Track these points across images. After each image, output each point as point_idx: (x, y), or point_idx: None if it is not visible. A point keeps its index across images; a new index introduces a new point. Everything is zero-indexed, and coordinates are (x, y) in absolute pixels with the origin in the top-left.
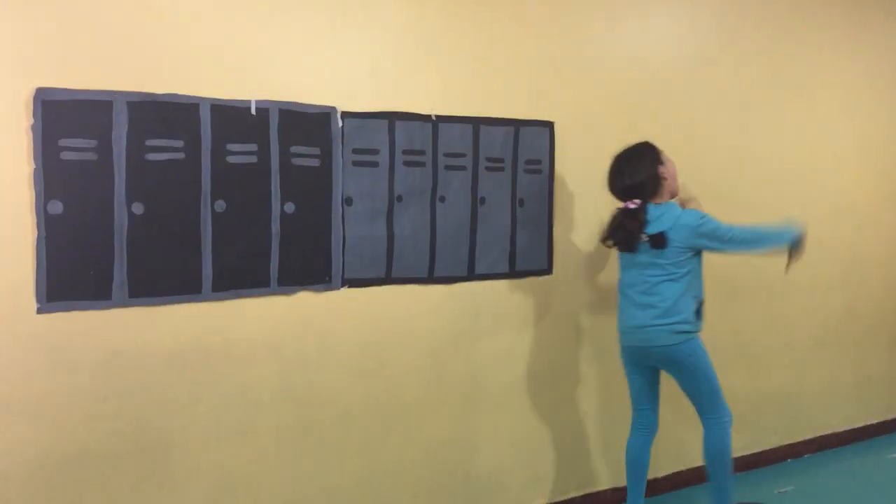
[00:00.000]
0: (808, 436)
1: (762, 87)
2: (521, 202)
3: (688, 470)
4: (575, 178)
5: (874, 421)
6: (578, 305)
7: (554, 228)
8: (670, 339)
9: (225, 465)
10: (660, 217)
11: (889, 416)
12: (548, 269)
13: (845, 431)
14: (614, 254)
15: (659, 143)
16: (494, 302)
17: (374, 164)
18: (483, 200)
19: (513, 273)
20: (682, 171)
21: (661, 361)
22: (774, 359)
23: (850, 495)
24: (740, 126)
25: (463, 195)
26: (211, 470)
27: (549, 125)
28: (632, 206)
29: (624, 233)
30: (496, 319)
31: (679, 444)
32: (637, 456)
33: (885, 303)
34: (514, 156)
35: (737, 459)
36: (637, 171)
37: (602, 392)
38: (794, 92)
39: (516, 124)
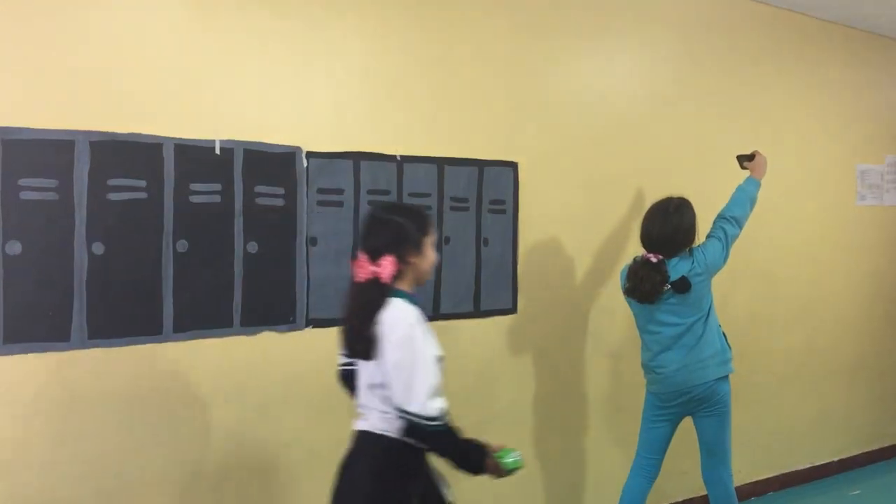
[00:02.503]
0: (771, 474)
1: (719, 128)
2: (486, 242)
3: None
4: (539, 217)
5: (835, 458)
6: (544, 344)
7: (518, 267)
8: (716, 373)
9: None
10: (676, 265)
11: (848, 454)
12: (512, 309)
13: (807, 469)
14: (579, 293)
15: (620, 181)
16: (460, 341)
17: (339, 204)
18: (448, 240)
19: (478, 312)
20: (641, 209)
21: (700, 403)
22: (736, 397)
23: None
24: (699, 165)
25: None
26: None
27: (512, 165)
28: (654, 259)
29: (649, 285)
30: (462, 358)
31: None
32: (633, 498)
33: (842, 341)
34: (478, 196)
35: (701, 498)
36: (687, 228)
37: (571, 433)
38: (750, 133)
39: (480, 164)
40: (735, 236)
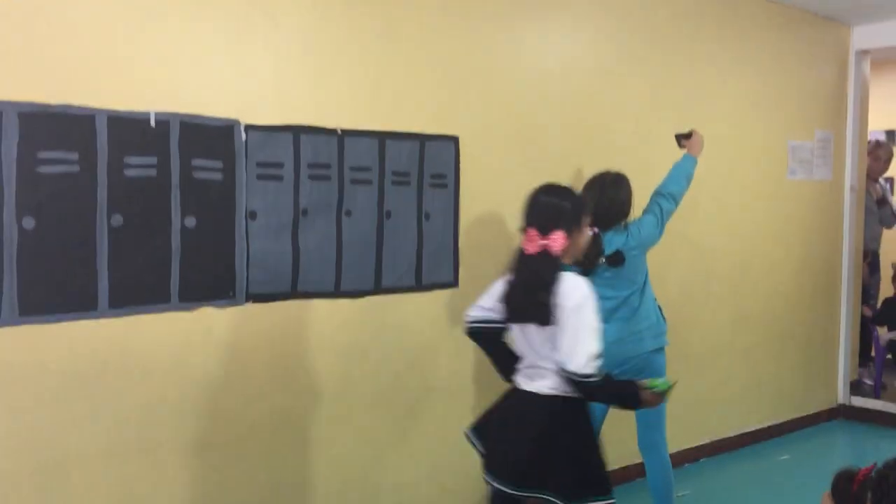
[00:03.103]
0: (704, 441)
1: (657, 105)
2: (427, 216)
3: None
4: (480, 191)
5: (765, 424)
6: None
7: (460, 241)
8: (651, 345)
9: (126, 483)
10: (611, 239)
11: (777, 420)
12: (454, 282)
13: (738, 435)
14: None
15: (560, 156)
16: (402, 315)
17: (279, 178)
18: (389, 214)
19: (419, 286)
20: (582, 180)
21: (636, 375)
22: (670, 368)
23: (744, 497)
24: (637, 141)
25: (369, 209)
26: (111, 489)
27: (453, 140)
28: (590, 232)
29: (584, 258)
30: (404, 332)
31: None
32: None
33: (772, 311)
34: (419, 170)
35: (636, 466)
36: (622, 201)
37: None
38: (686, 110)
39: (422, 139)
40: (670, 212)
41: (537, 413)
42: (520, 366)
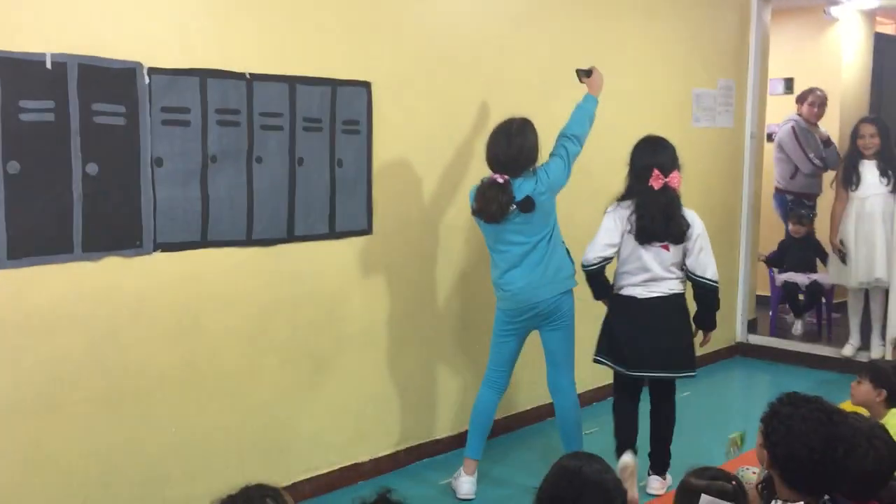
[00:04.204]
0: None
1: (563, 52)
2: (340, 163)
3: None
4: (392, 138)
5: None
6: (399, 264)
7: (373, 188)
8: (560, 288)
9: (32, 440)
10: (520, 185)
11: None
12: (368, 229)
13: None
14: (431, 212)
15: (470, 103)
16: (315, 263)
17: (186, 124)
18: (301, 161)
19: (333, 234)
20: (487, 129)
21: (546, 318)
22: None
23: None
24: (544, 88)
25: (280, 156)
26: (16, 447)
27: (366, 86)
28: (500, 179)
29: (496, 205)
30: (318, 280)
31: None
32: (485, 410)
33: None
34: (331, 116)
35: (547, 406)
36: (530, 147)
37: (427, 346)
38: (593, 58)
39: (333, 84)
40: (576, 154)
41: (677, 308)
42: (630, 281)
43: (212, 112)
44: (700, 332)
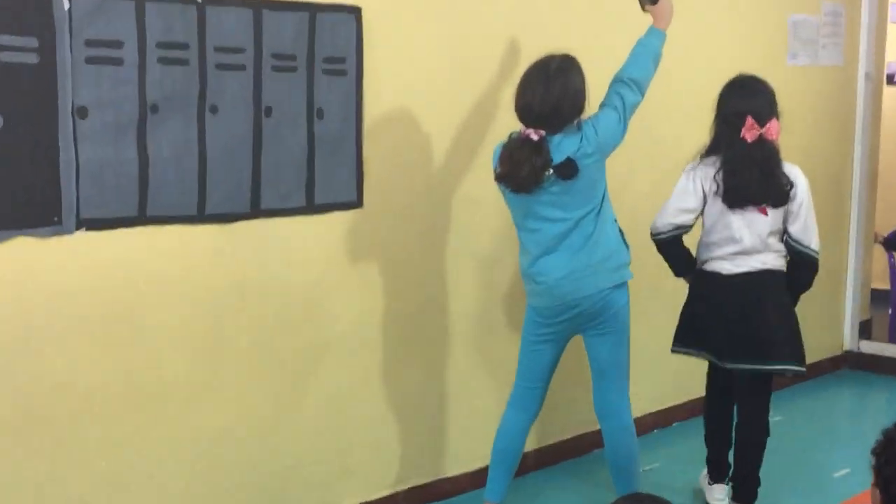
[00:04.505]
0: (678, 401)
1: None
2: (321, 114)
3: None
4: (390, 81)
5: None
6: (399, 247)
7: (364, 148)
8: (611, 280)
9: None
10: (560, 143)
11: None
12: (357, 202)
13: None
14: (441, 180)
15: (495, 40)
16: (288, 245)
17: (118, 62)
18: (269, 111)
19: (311, 207)
20: (517, 72)
21: (592, 319)
22: (636, 310)
23: None
24: (591, 13)
25: (242, 104)
26: None
27: (355, 11)
28: (535, 136)
29: (527, 169)
30: (292, 268)
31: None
32: (512, 440)
33: None
34: (309, 52)
35: (593, 434)
36: (574, 92)
37: (435, 356)
38: None
39: (312, 10)
40: (635, 104)
41: (773, 288)
42: (715, 254)
43: (152, 46)
44: None
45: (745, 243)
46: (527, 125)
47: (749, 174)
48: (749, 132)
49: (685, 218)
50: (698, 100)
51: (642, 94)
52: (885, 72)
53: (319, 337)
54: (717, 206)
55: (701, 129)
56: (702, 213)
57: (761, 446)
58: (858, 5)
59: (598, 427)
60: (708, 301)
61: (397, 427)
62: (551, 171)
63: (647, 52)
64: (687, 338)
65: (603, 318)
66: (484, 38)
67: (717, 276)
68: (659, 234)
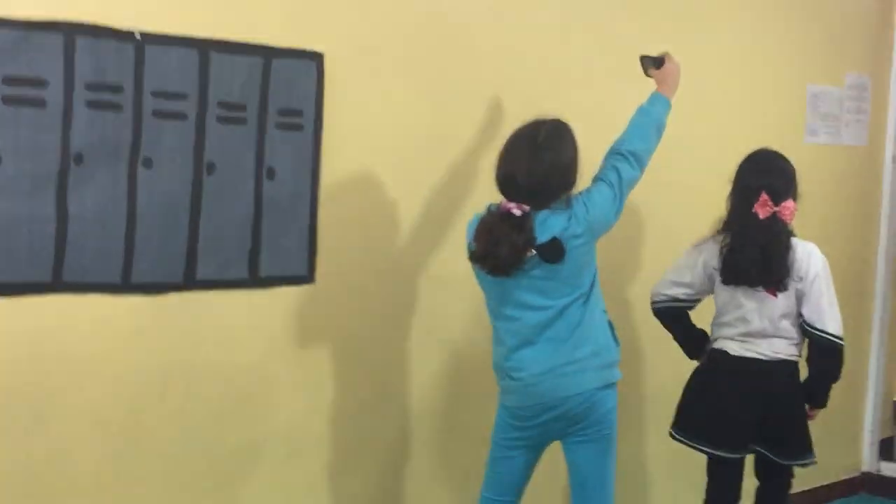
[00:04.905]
0: None
1: (623, 21)
2: (271, 173)
3: None
4: (353, 139)
5: None
6: (353, 331)
7: (319, 215)
8: (598, 380)
9: None
10: (545, 221)
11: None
12: (308, 276)
13: None
14: (407, 256)
15: (474, 97)
16: (225, 323)
17: (40, 104)
18: (212, 168)
19: (255, 281)
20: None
21: (574, 421)
22: (623, 414)
23: None
24: (590, 74)
25: (181, 158)
26: None
27: (316, 58)
28: (517, 212)
29: (507, 248)
30: (228, 350)
31: None
32: None
33: None
34: (262, 102)
35: None
36: (565, 167)
37: (385, 466)
38: (668, 33)
39: (267, 54)
40: (633, 181)
41: (782, 379)
42: (724, 333)
43: (80, 88)
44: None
45: (755, 325)
46: (508, 198)
47: (750, 252)
48: (762, 208)
49: (679, 291)
50: (706, 180)
51: (642, 170)
52: None
53: (256, 433)
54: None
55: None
56: (711, 292)
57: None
58: (887, 78)
59: None
60: (708, 380)
61: None
62: (534, 252)
63: (650, 122)
64: (682, 422)
65: (587, 422)
66: (464, 95)
67: (722, 357)
68: (653, 302)
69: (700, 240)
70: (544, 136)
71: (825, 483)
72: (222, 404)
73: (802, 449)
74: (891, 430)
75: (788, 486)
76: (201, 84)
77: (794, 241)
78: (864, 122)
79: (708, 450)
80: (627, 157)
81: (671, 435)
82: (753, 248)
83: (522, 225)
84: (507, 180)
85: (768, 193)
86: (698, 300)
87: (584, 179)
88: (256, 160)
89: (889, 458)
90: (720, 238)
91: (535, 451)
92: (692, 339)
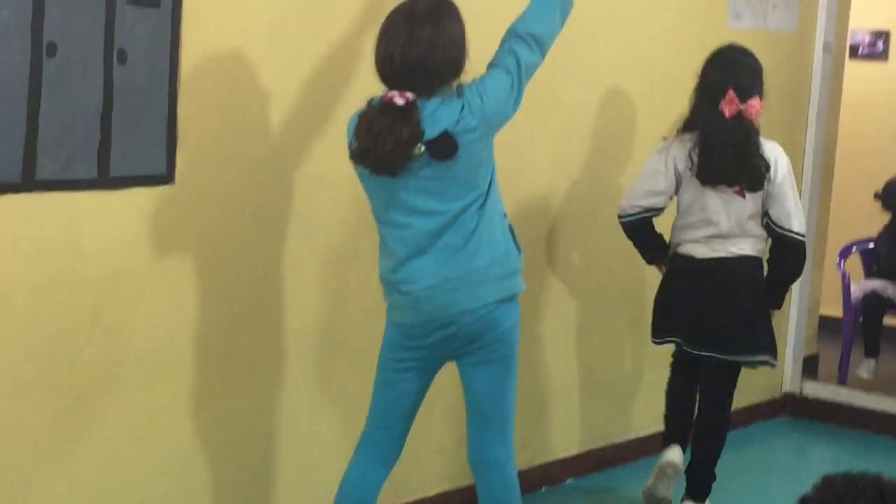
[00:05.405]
0: (577, 450)
1: None
2: (123, 56)
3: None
4: (217, 17)
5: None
6: (220, 238)
7: (179, 104)
8: (498, 292)
9: None
10: (434, 112)
11: None
12: (167, 176)
13: (627, 442)
14: (280, 148)
15: None
16: (72, 229)
17: None
18: (53, 49)
19: (105, 180)
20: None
21: (470, 339)
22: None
23: None
24: None
25: (15, 38)
26: None
27: None
28: (400, 100)
29: (390, 144)
30: (76, 260)
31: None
32: (359, 497)
33: None
34: None
35: (465, 490)
36: (448, 41)
37: (259, 388)
38: None
39: None
40: (534, 67)
41: (748, 276)
42: (689, 236)
43: None
44: None
45: (722, 227)
46: (389, 85)
47: (723, 153)
48: (728, 106)
49: (654, 200)
50: (613, 62)
51: (543, 55)
52: (848, 42)
53: (111, 352)
54: (692, 185)
55: (617, 97)
56: (675, 193)
57: (721, 440)
58: None
59: (470, 481)
60: (679, 286)
61: (210, 474)
62: (423, 147)
63: (554, 1)
64: (662, 326)
65: (485, 340)
66: None
67: (691, 261)
68: (626, 215)
69: (664, 142)
70: (423, 10)
71: (743, 405)
72: (71, 321)
73: (761, 343)
74: (815, 348)
75: (728, 384)
76: None
77: (762, 142)
78: (794, 5)
79: (679, 343)
80: (527, 41)
81: (654, 341)
82: (727, 148)
83: (407, 116)
84: (385, 62)
85: (735, 90)
86: (666, 206)
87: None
88: (105, 40)
89: (813, 378)
90: (687, 137)
91: (425, 373)
92: (656, 246)
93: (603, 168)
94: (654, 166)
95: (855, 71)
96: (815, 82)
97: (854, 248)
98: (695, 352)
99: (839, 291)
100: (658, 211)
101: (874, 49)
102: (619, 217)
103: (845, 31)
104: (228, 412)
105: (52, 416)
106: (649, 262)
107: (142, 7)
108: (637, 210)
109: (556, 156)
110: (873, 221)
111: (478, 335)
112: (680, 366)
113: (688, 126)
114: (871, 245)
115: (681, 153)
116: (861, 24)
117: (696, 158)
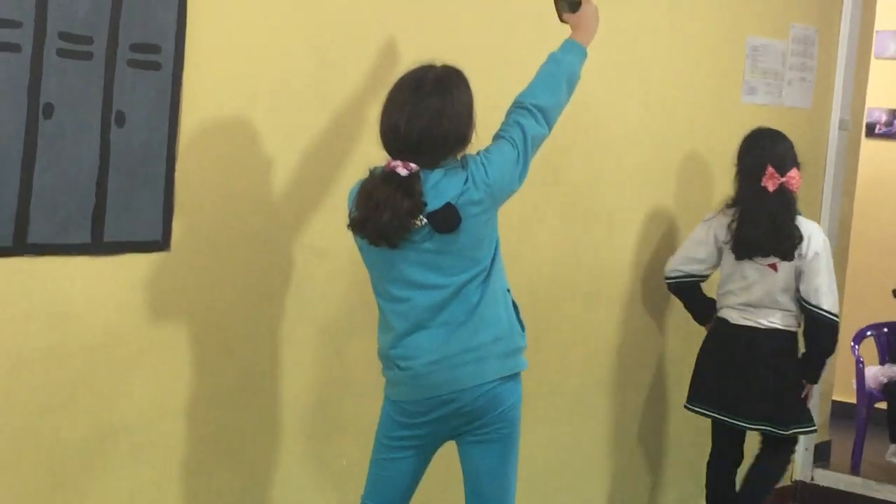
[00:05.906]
0: None
1: None
2: (121, 119)
3: None
4: (220, 79)
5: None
6: (215, 307)
7: (178, 170)
8: (500, 369)
9: None
10: (437, 184)
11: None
12: (162, 242)
13: None
14: (283, 220)
15: (364, 38)
16: (63, 296)
17: None
18: (50, 110)
19: (99, 246)
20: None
21: (472, 418)
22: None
23: None
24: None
25: (12, 98)
26: None
27: None
28: (403, 171)
29: (389, 214)
30: (65, 327)
31: None
32: None
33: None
34: (111, 35)
35: None
36: (455, 113)
37: (259, 458)
38: None
39: None
40: (540, 139)
41: (778, 348)
42: (728, 302)
43: None
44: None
45: (753, 296)
46: (393, 155)
47: (759, 224)
48: (770, 181)
49: (694, 267)
50: (623, 139)
51: (549, 127)
52: (865, 120)
53: (100, 423)
54: (731, 256)
55: (625, 182)
56: (718, 263)
57: (763, 489)
58: (836, 30)
59: None
60: (712, 348)
61: None
62: (424, 220)
63: (561, 73)
64: (695, 391)
65: (486, 419)
66: (352, 35)
67: (725, 324)
68: (667, 278)
69: (710, 214)
70: (432, 80)
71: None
72: (58, 391)
73: (793, 414)
74: (828, 434)
75: (782, 461)
76: (38, 10)
77: (799, 219)
78: (810, 82)
79: (708, 413)
80: (533, 112)
81: (687, 407)
82: (764, 218)
83: (409, 187)
84: (389, 132)
85: (773, 166)
86: (710, 273)
87: (483, 140)
88: (104, 103)
89: (825, 466)
90: (729, 212)
91: (424, 452)
92: (702, 307)
93: (611, 245)
94: (697, 235)
95: (871, 149)
96: (830, 160)
97: (869, 332)
98: (726, 419)
99: (850, 376)
100: (700, 278)
101: (891, 128)
102: (664, 278)
103: (862, 108)
104: (217, 490)
105: (33, 495)
106: (698, 321)
107: (143, 69)
108: (677, 274)
109: (561, 231)
110: (889, 304)
111: (479, 413)
112: (718, 439)
113: (733, 203)
114: (886, 329)
115: (721, 225)
116: (878, 102)
117: (733, 230)
